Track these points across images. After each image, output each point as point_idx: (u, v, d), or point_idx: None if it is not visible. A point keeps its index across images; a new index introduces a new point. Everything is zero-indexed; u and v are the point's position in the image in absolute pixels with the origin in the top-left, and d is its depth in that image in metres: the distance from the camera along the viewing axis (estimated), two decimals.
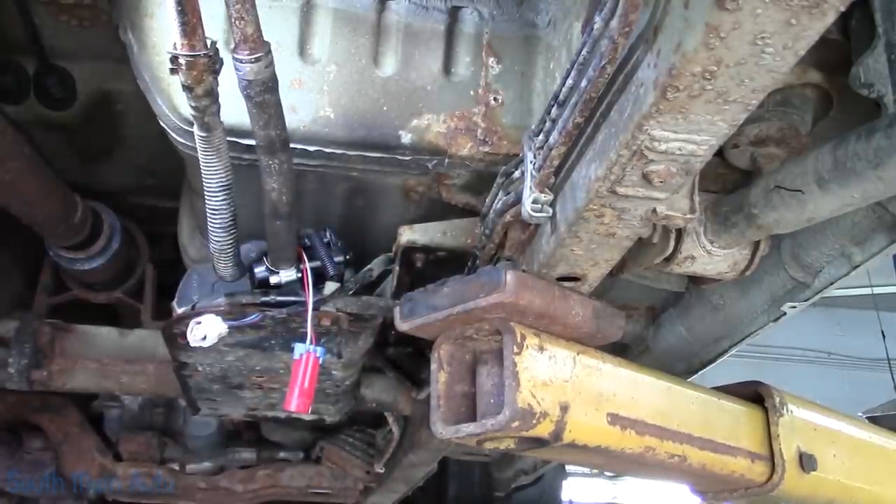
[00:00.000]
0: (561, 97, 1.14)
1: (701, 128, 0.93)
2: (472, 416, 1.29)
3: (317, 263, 1.75)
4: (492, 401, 1.26)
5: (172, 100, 1.55)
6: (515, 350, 1.22)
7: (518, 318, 1.26)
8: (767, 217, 1.27)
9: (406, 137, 1.61)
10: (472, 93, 1.64)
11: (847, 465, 1.71)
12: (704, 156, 0.99)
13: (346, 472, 3.23)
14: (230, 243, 1.60)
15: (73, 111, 2.20)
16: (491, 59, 1.66)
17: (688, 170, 1.02)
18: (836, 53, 1.28)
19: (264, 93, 1.26)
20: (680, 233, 1.40)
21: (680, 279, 1.87)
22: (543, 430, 1.22)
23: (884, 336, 8.47)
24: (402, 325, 1.40)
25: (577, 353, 1.32)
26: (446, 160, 1.64)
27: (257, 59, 1.20)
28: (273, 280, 1.74)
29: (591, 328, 1.35)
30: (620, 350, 2.13)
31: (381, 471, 3.08)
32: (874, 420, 4.24)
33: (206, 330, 1.63)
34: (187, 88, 1.23)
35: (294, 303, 1.72)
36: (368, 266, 1.83)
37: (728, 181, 1.46)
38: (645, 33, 0.94)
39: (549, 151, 1.19)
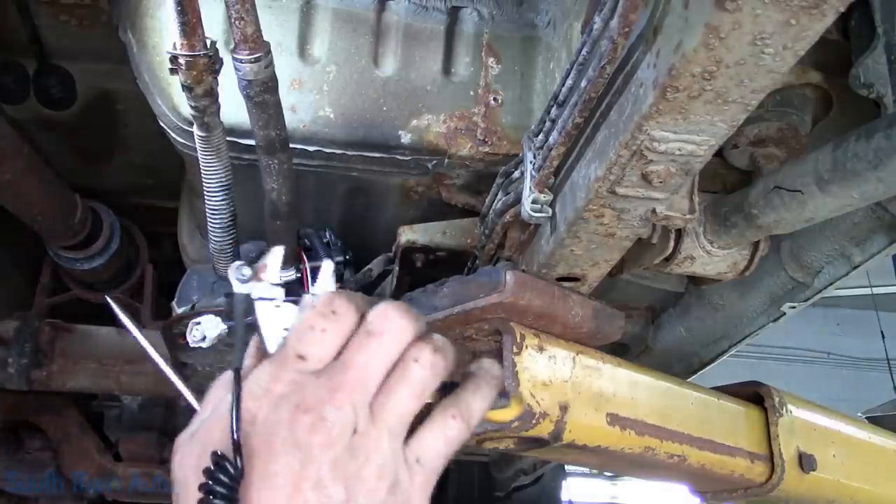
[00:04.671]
0: (561, 97, 1.14)
1: (701, 128, 0.93)
2: None
3: (317, 263, 1.75)
4: None
5: (172, 100, 1.55)
6: (515, 350, 1.22)
7: (518, 319, 1.26)
8: (767, 217, 1.27)
9: (406, 137, 1.61)
10: (471, 93, 1.64)
11: (847, 466, 1.71)
12: (704, 156, 0.99)
13: None
14: (230, 243, 1.60)
15: (73, 111, 2.20)
16: (491, 59, 1.66)
17: (687, 170, 1.02)
18: (836, 54, 1.28)
19: (264, 93, 1.26)
20: (679, 233, 1.40)
21: (679, 279, 1.87)
22: (543, 430, 1.22)
23: (883, 336, 8.48)
24: None
25: (577, 354, 1.32)
26: (446, 160, 1.64)
27: (257, 59, 1.20)
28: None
29: (591, 328, 1.34)
30: (620, 350, 2.13)
31: None
32: (874, 420, 4.23)
33: (206, 330, 1.63)
34: (187, 88, 1.23)
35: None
36: (368, 266, 1.82)
37: (728, 181, 1.46)
38: (645, 33, 0.94)
39: (548, 151, 1.19)
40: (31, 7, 1.93)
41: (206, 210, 1.51)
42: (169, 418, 3.20)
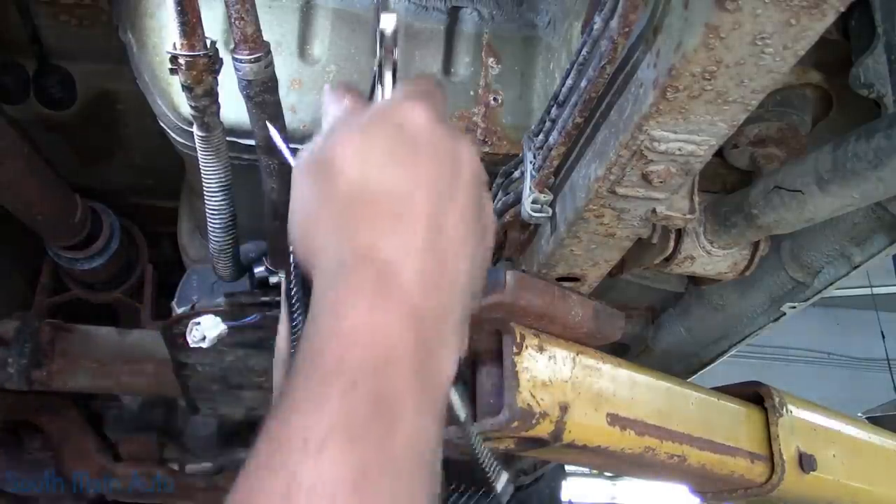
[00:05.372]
0: (561, 97, 1.13)
1: (701, 128, 0.93)
2: (472, 416, 1.29)
3: None
4: (491, 401, 1.26)
5: (172, 100, 1.55)
6: (515, 350, 1.22)
7: (518, 319, 1.26)
8: (767, 217, 1.27)
9: None
10: (471, 93, 1.64)
11: (847, 466, 1.71)
12: (704, 156, 0.99)
13: None
14: (230, 243, 1.60)
15: (73, 111, 2.20)
16: (491, 59, 1.66)
17: (687, 170, 1.02)
18: (836, 53, 1.27)
19: (264, 93, 1.26)
20: (679, 233, 1.40)
21: (680, 279, 1.87)
22: (543, 430, 1.22)
23: (883, 336, 8.48)
24: None
25: (577, 354, 1.32)
26: None
27: (257, 59, 1.20)
28: (273, 280, 1.74)
29: (591, 328, 1.35)
30: (620, 350, 2.13)
31: None
32: (874, 420, 4.24)
33: (206, 330, 1.63)
34: (187, 88, 1.23)
35: None
36: None
37: (728, 181, 1.46)
38: (645, 33, 0.94)
39: (548, 151, 1.19)
40: (31, 7, 1.93)
41: (206, 210, 1.50)
42: (169, 418, 3.20)
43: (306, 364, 0.51)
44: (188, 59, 1.18)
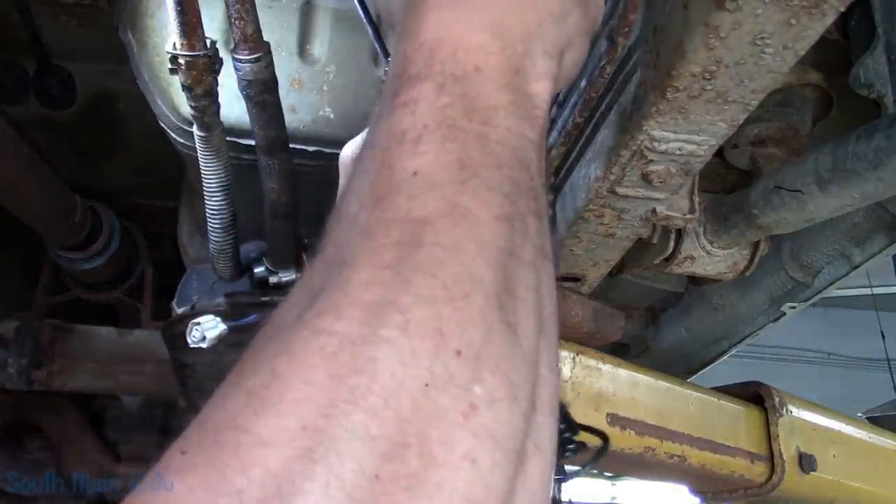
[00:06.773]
0: (560, 97, 1.14)
1: (701, 128, 0.93)
2: None
3: None
4: None
5: (172, 99, 1.55)
6: None
7: None
8: (767, 217, 1.27)
9: None
10: None
11: (847, 466, 1.72)
12: (704, 156, 0.99)
13: None
14: (230, 243, 1.60)
15: (73, 111, 2.20)
16: None
17: (687, 170, 1.02)
18: (836, 53, 1.27)
19: (264, 93, 1.26)
20: (680, 233, 1.40)
21: (680, 279, 1.87)
22: None
23: (883, 336, 8.46)
24: None
25: (577, 354, 1.32)
26: None
27: (257, 59, 1.20)
28: (273, 280, 1.74)
29: (591, 328, 1.35)
30: (620, 350, 2.13)
31: None
32: (874, 420, 4.23)
33: (206, 330, 1.63)
34: (187, 88, 1.23)
35: None
36: None
37: (728, 181, 1.46)
38: (645, 33, 0.94)
39: (548, 151, 1.19)
40: (31, 7, 1.93)
41: (206, 210, 1.50)
42: (169, 418, 3.20)
43: (392, 79, 0.51)
44: (188, 59, 1.18)
